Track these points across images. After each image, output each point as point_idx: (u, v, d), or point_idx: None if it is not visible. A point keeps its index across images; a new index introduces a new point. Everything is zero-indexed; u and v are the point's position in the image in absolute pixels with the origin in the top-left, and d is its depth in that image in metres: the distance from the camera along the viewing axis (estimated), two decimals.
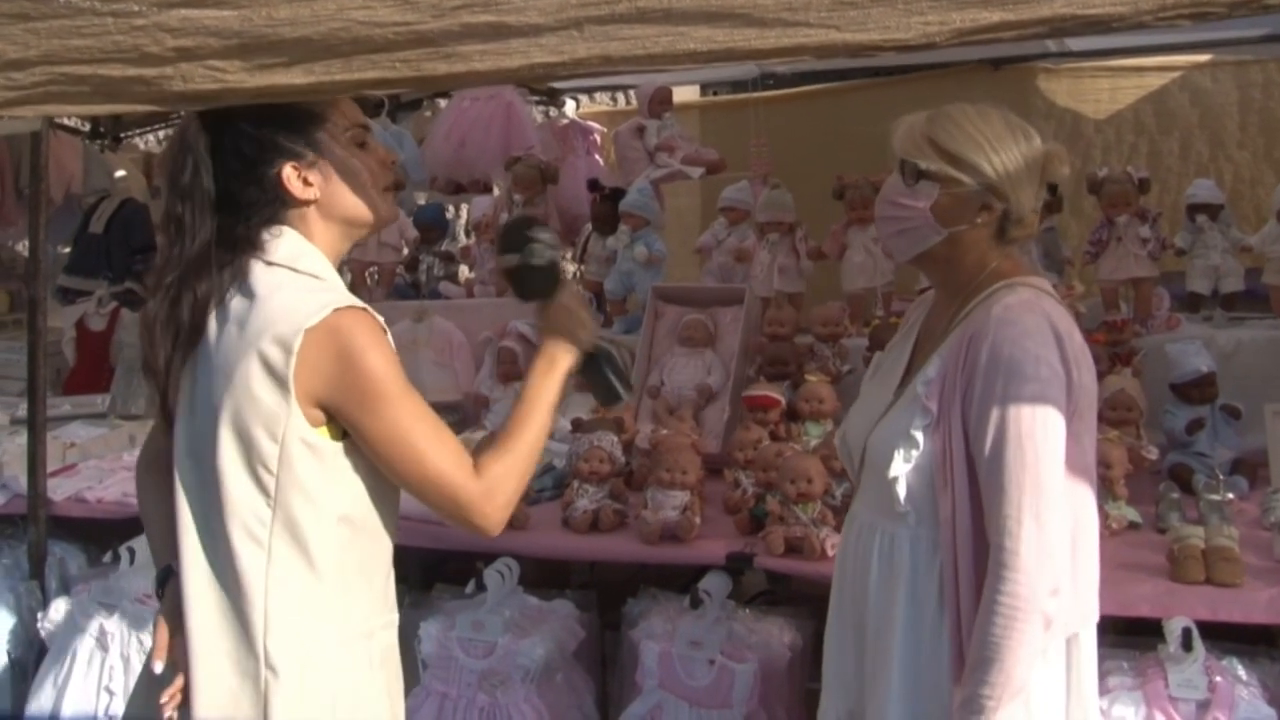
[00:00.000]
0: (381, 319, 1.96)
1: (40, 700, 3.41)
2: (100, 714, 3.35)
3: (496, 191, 5.92)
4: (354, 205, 2.06)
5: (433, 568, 3.56)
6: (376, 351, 1.89)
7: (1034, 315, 1.96)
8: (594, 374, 2.13)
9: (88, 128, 6.22)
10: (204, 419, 1.93)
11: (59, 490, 3.82)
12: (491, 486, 1.93)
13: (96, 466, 4.09)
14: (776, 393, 3.68)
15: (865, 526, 2.14)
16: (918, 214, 2.06)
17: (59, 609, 3.50)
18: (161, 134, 7.36)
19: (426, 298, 5.03)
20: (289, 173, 2.00)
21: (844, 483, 3.03)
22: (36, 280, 3.84)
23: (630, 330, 4.42)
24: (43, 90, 2.84)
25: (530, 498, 3.35)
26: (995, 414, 1.90)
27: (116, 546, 3.51)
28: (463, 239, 6.38)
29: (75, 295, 5.61)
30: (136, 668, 3.29)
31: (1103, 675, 2.60)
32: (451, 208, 6.08)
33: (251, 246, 1.99)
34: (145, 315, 2.02)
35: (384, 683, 2.04)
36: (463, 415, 4.47)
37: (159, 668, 1.98)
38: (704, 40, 2.01)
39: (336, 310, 1.88)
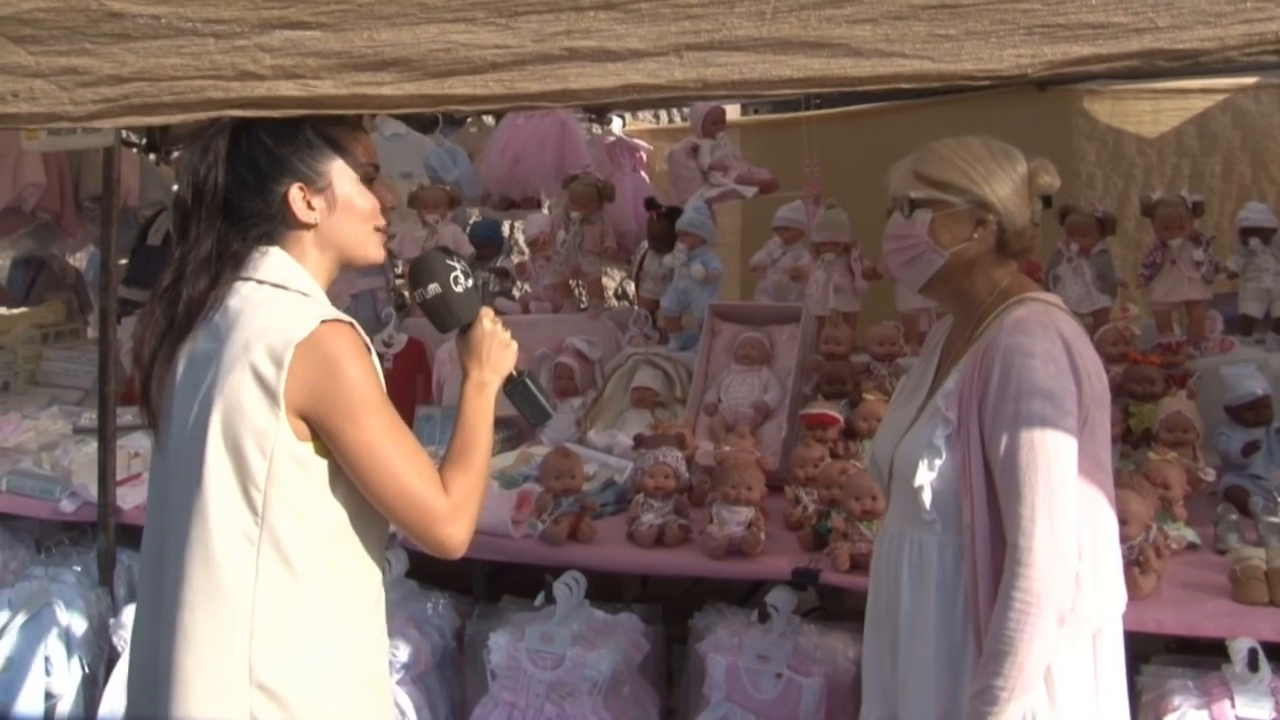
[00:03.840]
0: (366, 336, 2.01)
1: (112, 704, 3.47)
2: None
3: (546, 208, 6.00)
4: (351, 238, 2.11)
5: (492, 578, 3.61)
6: (357, 364, 1.94)
7: (1043, 327, 2.08)
8: (522, 394, 2.22)
9: (144, 141, 6.32)
10: (190, 433, 1.95)
11: (127, 499, 3.89)
12: (459, 504, 2.00)
13: None
14: (835, 411, 3.72)
15: (895, 537, 2.25)
16: (918, 240, 2.19)
17: (130, 615, 3.54)
18: None
19: None
20: (296, 193, 2.05)
21: None
22: (108, 292, 3.92)
23: (686, 347, 4.47)
24: (127, 103, 2.93)
25: (594, 512, 3.41)
26: (1009, 421, 2.02)
27: None
28: (517, 255, 6.44)
29: (134, 307, 5.69)
30: None
31: (1168, 694, 2.65)
32: (506, 224, 6.14)
33: (240, 262, 2.03)
34: (143, 313, 2.08)
35: (373, 701, 2.06)
36: (518, 430, 4.52)
37: None
38: (800, 68, 2.07)
39: (323, 322, 1.94)
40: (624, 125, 6.70)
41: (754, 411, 4.01)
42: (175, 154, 6.56)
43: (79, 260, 7.14)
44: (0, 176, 5.83)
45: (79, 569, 3.83)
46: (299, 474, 1.94)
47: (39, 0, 3.05)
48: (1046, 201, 2.25)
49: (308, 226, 2.07)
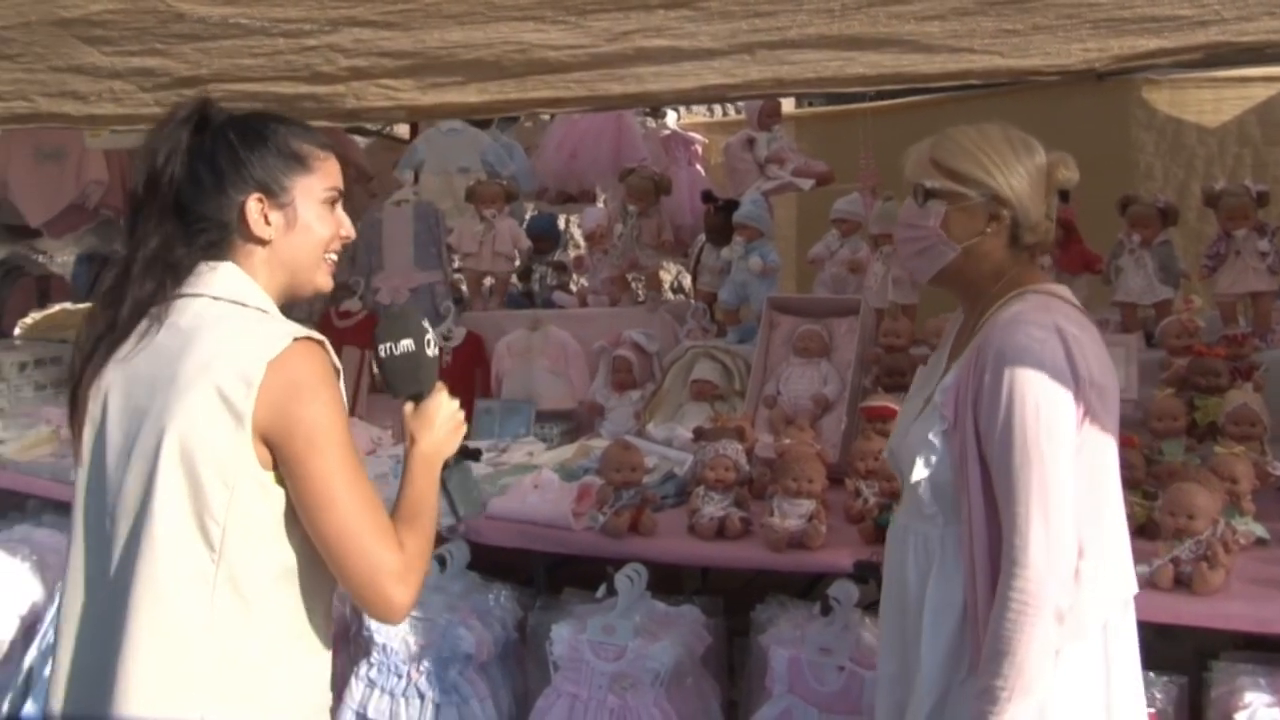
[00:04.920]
0: (335, 357, 1.89)
1: None
2: None
3: (602, 202, 6.04)
4: (304, 260, 1.97)
5: (552, 570, 3.64)
6: (326, 390, 1.83)
7: (1039, 321, 2.04)
8: (460, 481, 2.12)
9: None
10: (133, 463, 1.81)
11: None
12: (411, 562, 1.86)
13: None
14: (895, 404, 3.72)
15: (902, 530, 2.27)
16: (930, 232, 2.16)
17: None
18: None
19: (540, 307, 5.15)
20: (254, 204, 1.92)
21: None
22: None
23: (744, 340, 4.48)
24: None
25: (655, 505, 3.43)
26: (1003, 417, 1.99)
27: None
28: (573, 249, 6.49)
29: None
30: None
31: (1238, 690, 2.64)
32: (561, 218, 6.19)
33: (183, 273, 1.90)
34: (88, 314, 1.95)
35: None
36: (577, 423, 4.56)
37: None
38: (872, 65, 2.09)
39: (296, 340, 1.82)
40: (679, 118, 6.72)
41: (813, 404, 4.01)
42: None
43: None
44: (64, 174, 5.94)
45: None
46: (262, 504, 1.82)
47: (107, 2, 3.12)
48: (1064, 196, 2.22)
49: (261, 242, 1.94)
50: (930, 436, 2.13)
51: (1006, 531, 1.98)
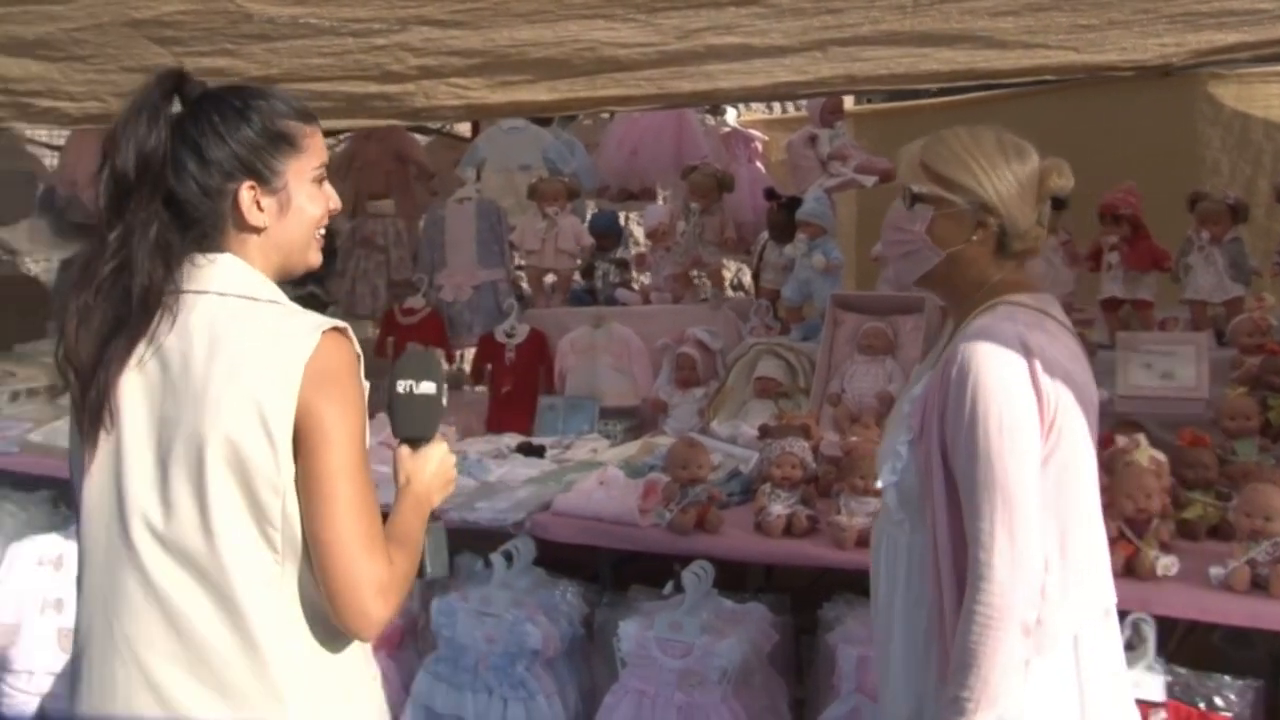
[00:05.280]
0: (356, 343, 1.82)
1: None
2: None
3: (661, 199, 6.05)
4: (298, 241, 1.91)
5: (617, 567, 3.65)
6: (354, 384, 1.79)
7: (1004, 334, 2.00)
8: (436, 538, 2.01)
9: None
10: (170, 473, 1.75)
11: None
12: (398, 579, 1.79)
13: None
14: None
15: (878, 534, 2.30)
16: (916, 237, 2.13)
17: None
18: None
19: (602, 304, 5.16)
20: (246, 194, 1.83)
21: None
22: None
23: (808, 337, 4.47)
24: None
25: (720, 502, 3.43)
26: (966, 432, 1.97)
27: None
28: (633, 247, 6.51)
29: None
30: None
31: None
32: (622, 215, 6.20)
33: (176, 265, 1.82)
34: (76, 311, 1.81)
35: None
36: (640, 420, 4.57)
37: None
38: (946, 61, 2.08)
39: (324, 333, 1.78)
40: (738, 115, 6.72)
41: (878, 402, 3.99)
42: None
43: None
44: None
45: None
46: (300, 504, 1.77)
47: (178, 3, 3.16)
48: (1058, 203, 2.15)
49: (255, 230, 1.86)
50: (898, 446, 2.14)
51: (971, 545, 1.97)
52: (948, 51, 2.08)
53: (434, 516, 1.97)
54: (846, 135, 5.30)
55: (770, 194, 4.96)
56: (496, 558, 3.40)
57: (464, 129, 6.68)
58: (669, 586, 3.18)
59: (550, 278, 5.27)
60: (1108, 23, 2.10)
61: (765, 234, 4.99)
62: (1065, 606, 2.02)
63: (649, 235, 5.30)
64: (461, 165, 5.70)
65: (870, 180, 5.08)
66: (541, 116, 5.78)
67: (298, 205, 1.88)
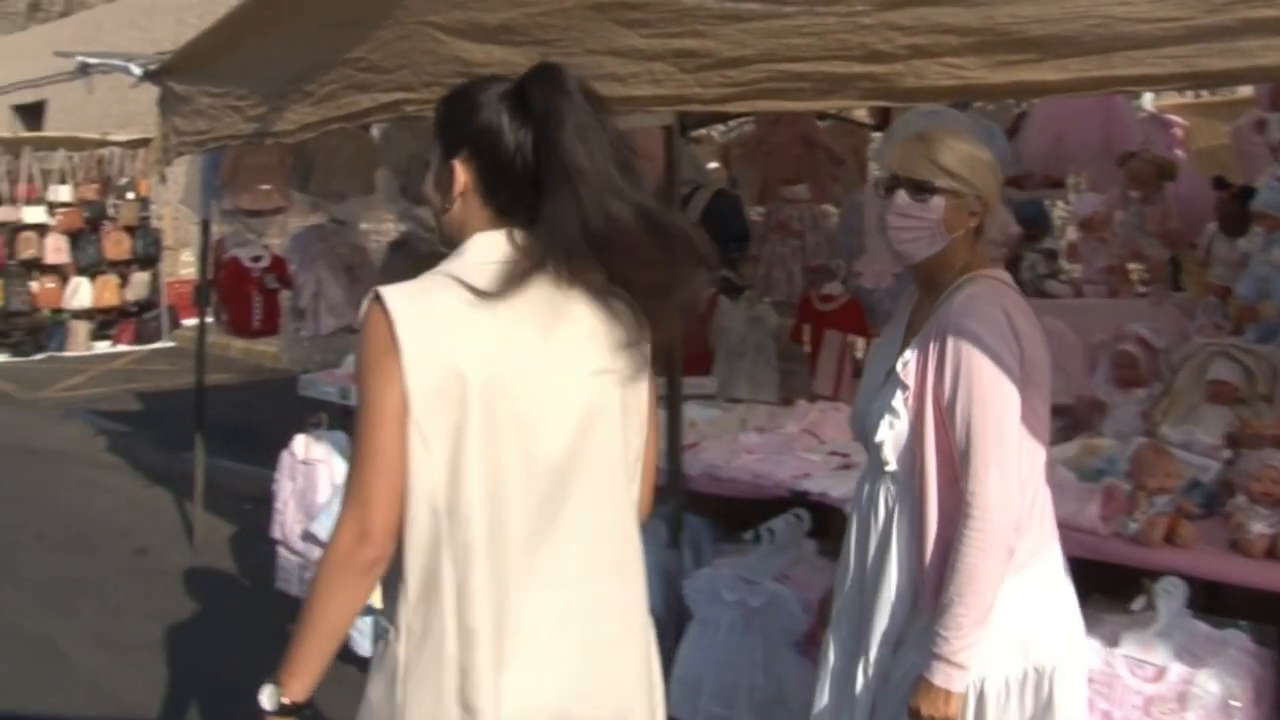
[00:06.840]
0: (390, 307, 1.74)
1: (686, 663, 3.64)
2: (744, 686, 3.52)
3: (1072, 186, 5.73)
4: (474, 216, 1.88)
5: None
6: (363, 351, 1.78)
7: (991, 302, 2.33)
8: None
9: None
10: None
11: (691, 466, 4.05)
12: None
13: (718, 446, 4.30)
14: None
15: (867, 484, 2.55)
16: (931, 224, 2.40)
17: (702, 578, 3.69)
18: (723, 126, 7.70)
19: (1030, 296, 4.91)
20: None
21: None
22: None
23: (1265, 339, 4.11)
24: (759, 87, 2.99)
25: (1190, 514, 3.17)
26: (963, 385, 2.29)
27: (756, 525, 3.67)
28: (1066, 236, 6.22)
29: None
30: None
31: None
32: (1048, 203, 5.94)
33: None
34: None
35: None
36: (1074, 419, 4.33)
37: None
38: None
39: (369, 304, 1.78)
40: (1154, 100, 6.31)
41: None
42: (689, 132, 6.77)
43: None
44: None
45: (649, 530, 4.00)
46: None
47: None
48: None
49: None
50: (894, 402, 2.41)
51: (965, 481, 2.28)
52: None
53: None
54: None
55: (1220, 183, 4.60)
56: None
57: (861, 114, 6.58)
58: (1139, 601, 2.94)
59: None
60: None
61: (1213, 226, 4.62)
62: (1035, 532, 2.39)
63: (1082, 225, 5.03)
64: (879, 150, 5.59)
65: None
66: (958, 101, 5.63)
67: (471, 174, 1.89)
